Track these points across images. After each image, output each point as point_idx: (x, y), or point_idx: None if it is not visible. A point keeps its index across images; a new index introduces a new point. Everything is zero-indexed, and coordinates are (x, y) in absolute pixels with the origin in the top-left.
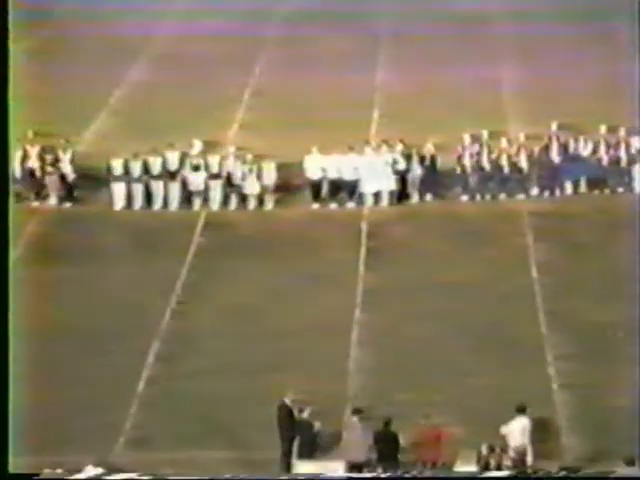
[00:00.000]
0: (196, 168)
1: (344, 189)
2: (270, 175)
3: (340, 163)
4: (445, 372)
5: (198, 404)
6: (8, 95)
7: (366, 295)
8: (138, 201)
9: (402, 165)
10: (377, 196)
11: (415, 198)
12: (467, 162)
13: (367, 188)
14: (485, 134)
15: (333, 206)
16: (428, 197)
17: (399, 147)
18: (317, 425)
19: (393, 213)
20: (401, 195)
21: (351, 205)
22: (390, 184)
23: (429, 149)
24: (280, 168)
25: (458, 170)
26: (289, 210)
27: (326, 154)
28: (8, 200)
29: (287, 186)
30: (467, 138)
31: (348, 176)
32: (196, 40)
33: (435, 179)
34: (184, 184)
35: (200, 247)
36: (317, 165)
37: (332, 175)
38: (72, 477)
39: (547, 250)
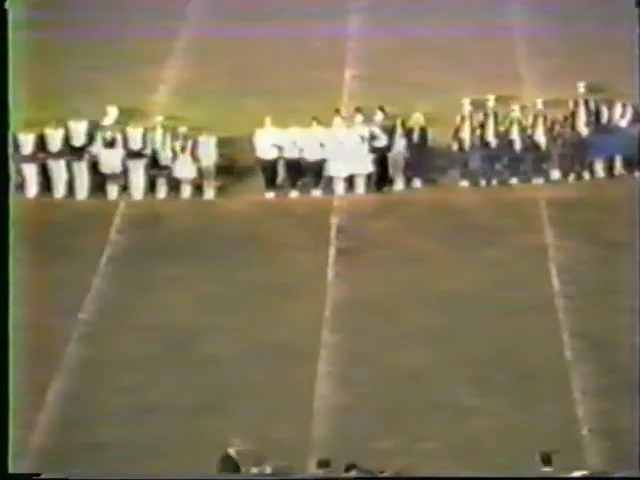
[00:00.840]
0: (110, 144)
1: (307, 173)
2: (210, 154)
3: (301, 139)
4: (440, 411)
5: (110, 455)
6: None
7: (336, 310)
8: (32, 186)
9: (382, 141)
10: (350, 181)
11: (399, 184)
12: (467, 136)
13: (336, 171)
14: (491, 100)
15: (293, 195)
16: (416, 183)
17: (378, 117)
18: None
19: (371, 203)
20: (381, 180)
21: (316, 193)
22: (366, 166)
23: (417, 120)
24: (223, 145)
25: (455, 147)
26: (235, 200)
27: (283, 127)
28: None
29: (232, 169)
30: (467, 105)
31: (312, 155)
32: None
33: (425, 159)
34: (95, 165)
35: (117, 248)
36: (271, 141)
37: (291, 154)
38: (73, 478)
39: (572, 251)
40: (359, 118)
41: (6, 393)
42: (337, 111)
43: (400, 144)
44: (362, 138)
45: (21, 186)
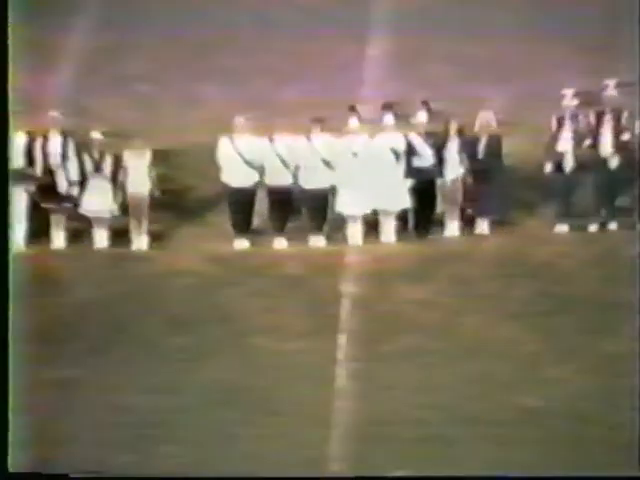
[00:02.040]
0: None
1: (303, 208)
2: (141, 177)
3: (294, 154)
4: None
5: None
6: None
7: (350, 450)
8: None
9: (427, 157)
10: (373, 223)
11: (453, 227)
12: (569, 149)
13: (351, 206)
14: (611, 86)
15: (279, 244)
16: (482, 226)
17: (420, 118)
18: None
19: (406, 258)
20: (424, 221)
21: (317, 242)
22: (401, 197)
23: (486, 122)
24: (164, 162)
25: (549, 168)
26: (182, 253)
27: (264, 134)
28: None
29: (179, 201)
30: (569, 97)
31: (311, 181)
32: None
33: (497, 187)
34: None
35: None
36: (246, 158)
37: (277, 179)
38: (75, 475)
39: None
40: (389, 119)
41: (6, 393)
42: (352, 109)
43: (456, 162)
44: (394, 152)
45: None
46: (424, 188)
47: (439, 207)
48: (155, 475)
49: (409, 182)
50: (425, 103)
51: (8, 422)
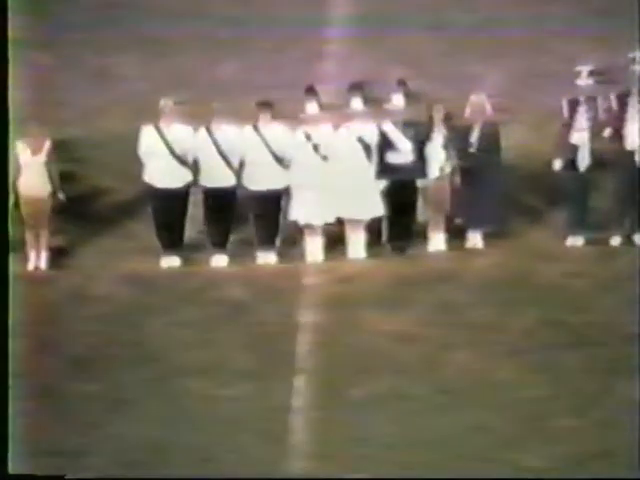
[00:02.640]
0: None
1: (248, 216)
2: (40, 175)
3: (236, 147)
4: None
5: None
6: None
7: None
8: None
9: (406, 152)
10: (335, 235)
11: (438, 240)
12: (583, 138)
13: (308, 213)
14: (638, 60)
15: (217, 261)
16: (474, 238)
17: (396, 102)
18: None
19: (379, 279)
20: (401, 232)
21: (266, 258)
22: (373, 204)
23: (478, 106)
24: (65, 154)
25: (558, 165)
26: (93, 273)
27: (199, 123)
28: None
29: (89, 207)
30: (585, 76)
31: (258, 182)
32: None
33: (493, 190)
34: None
35: None
36: (176, 151)
37: (216, 180)
38: (72, 477)
39: None
40: (357, 104)
41: (6, 392)
42: (310, 91)
43: (441, 158)
44: (364, 146)
45: None
46: (401, 191)
47: (420, 215)
48: (156, 476)
49: (382, 183)
50: (402, 83)
51: (8, 422)
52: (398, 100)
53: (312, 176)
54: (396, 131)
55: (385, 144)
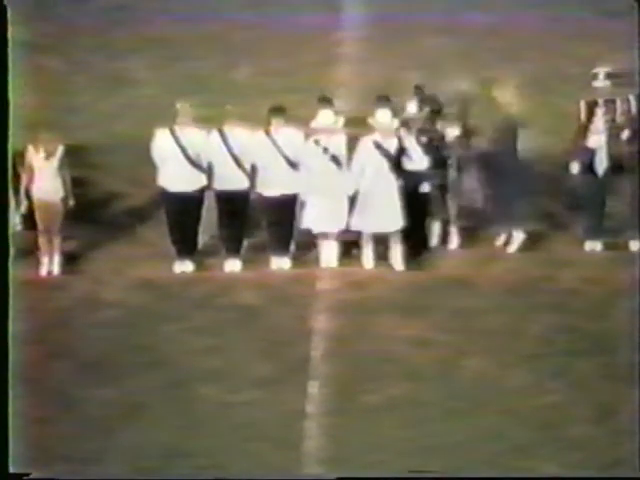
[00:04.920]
0: None
1: (262, 222)
2: (47, 177)
3: (251, 152)
4: None
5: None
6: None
7: None
8: None
9: (420, 159)
10: (350, 243)
11: (450, 245)
12: (601, 141)
13: (322, 221)
14: None
15: (231, 266)
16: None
17: (410, 110)
18: None
19: (396, 289)
20: (418, 241)
21: (281, 264)
22: (393, 212)
23: (504, 102)
24: (78, 159)
25: (576, 169)
26: (104, 280)
27: (210, 125)
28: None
29: (101, 211)
30: (601, 79)
31: (272, 187)
32: None
33: (514, 191)
34: None
35: None
36: (187, 153)
37: (229, 184)
38: (70, 477)
39: None
40: (385, 116)
41: (6, 392)
42: (324, 100)
43: (456, 160)
44: (383, 152)
45: None
46: (416, 195)
47: (435, 218)
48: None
49: (397, 189)
50: (418, 89)
51: (8, 422)
52: (412, 107)
53: (325, 183)
54: (410, 137)
55: (400, 151)
